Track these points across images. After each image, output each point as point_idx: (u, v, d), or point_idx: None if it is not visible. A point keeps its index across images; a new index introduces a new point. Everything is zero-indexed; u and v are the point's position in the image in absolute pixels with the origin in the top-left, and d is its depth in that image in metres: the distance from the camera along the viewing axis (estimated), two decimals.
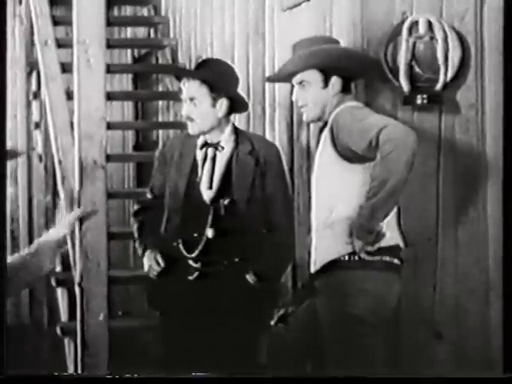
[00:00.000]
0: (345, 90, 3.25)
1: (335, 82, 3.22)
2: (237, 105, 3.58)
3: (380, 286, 3.12)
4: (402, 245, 3.18)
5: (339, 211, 3.12)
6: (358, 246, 3.07)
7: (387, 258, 3.12)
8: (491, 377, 2.94)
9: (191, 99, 3.50)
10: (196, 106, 3.50)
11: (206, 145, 3.56)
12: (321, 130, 3.28)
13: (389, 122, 3.03)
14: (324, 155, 3.18)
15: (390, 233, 3.11)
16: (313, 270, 3.20)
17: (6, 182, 2.92)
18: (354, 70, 3.32)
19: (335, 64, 3.23)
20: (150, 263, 3.60)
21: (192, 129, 3.53)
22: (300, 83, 3.26)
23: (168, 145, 3.73)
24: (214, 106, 3.51)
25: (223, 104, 3.52)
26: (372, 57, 3.44)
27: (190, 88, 3.50)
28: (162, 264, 3.57)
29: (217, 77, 3.51)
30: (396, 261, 3.14)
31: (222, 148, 3.54)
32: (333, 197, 3.14)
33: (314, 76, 3.23)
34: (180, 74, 3.70)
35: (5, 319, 2.95)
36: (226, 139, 3.56)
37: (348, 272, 3.12)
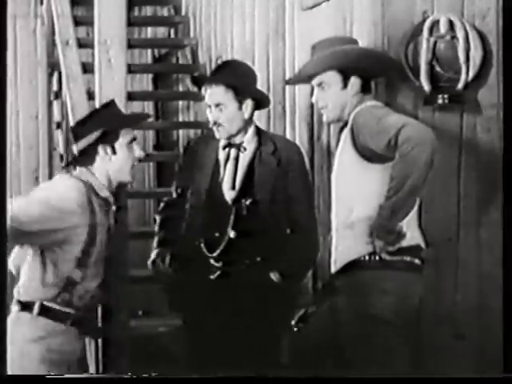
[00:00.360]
0: (364, 89, 3.24)
1: (354, 82, 3.22)
2: (260, 102, 3.59)
3: (401, 286, 3.11)
4: (423, 245, 3.17)
5: (359, 211, 3.11)
6: (379, 246, 3.06)
7: (408, 258, 3.11)
8: (491, 377, 2.94)
9: (217, 105, 3.50)
10: (222, 111, 3.50)
11: (228, 145, 3.56)
12: (341, 130, 3.28)
13: (408, 121, 3.03)
14: (344, 155, 3.18)
15: (411, 233, 3.10)
16: (333, 269, 3.20)
17: (6, 180, 2.95)
18: (373, 69, 3.31)
19: (354, 64, 3.23)
20: (157, 259, 3.62)
21: (219, 133, 3.53)
22: (319, 85, 3.26)
23: (192, 145, 3.73)
24: (240, 108, 3.51)
25: (248, 105, 3.52)
26: (391, 56, 3.43)
27: (215, 94, 3.49)
28: (168, 266, 3.58)
29: (240, 79, 3.51)
30: (417, 261, 3.13)
31: (245, 149, 3.54)
32: (353, 197, 3.14)
33: (333, 77, 3.23)
34: (204, 80, 3.66)
35: (5, 318, 2.96)
36: (248, 140, 3.56)
37: (369, 272, 3.11)
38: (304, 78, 3.36)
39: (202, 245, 3.53)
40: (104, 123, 3.08)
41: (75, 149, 3.14)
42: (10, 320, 3.03)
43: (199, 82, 3.69)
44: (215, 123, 3.51)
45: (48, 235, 2.94)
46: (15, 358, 2.97)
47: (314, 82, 3.27)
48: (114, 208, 3.18)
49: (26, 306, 3.01)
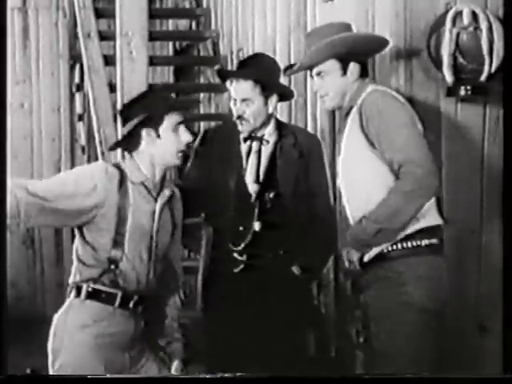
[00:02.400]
0: (362, 74, 3.22)
1: (353, 68, 3.19)
2: (284, 96, 3.57)
3: (427, 271, 3.07)
4: (441, 222, 3.12)
5: (375, 202, 3.08)
6: (353, 259, 3.10)
7: (426, 242, 3.08)
8: (491, 377, 2.93)
9: (243, 100, 3.48)
10: (249, 106, 3.47)
11: (250, 138, 3.54)
12: (346, 115, 3.23)
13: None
14: (352, 141, 3.14)
15: (430, 216, 3.07)
16: (366, 259, 3.15)
17: (6, 177, 2.96)
18: (369, 52, 3.30)
19: (352, 50, 3.20)
20: None
21: (243, 127, 3.50)
22: (318, 74, 3.23)
23: (210, 134, 3.71)
24: (265, 104, 3.49)
25: (274, 100, 3.50)
26: (381, 37, 3.41)
27: (243, 89, 3.46)
28: None
29: (267, 74, 3.48)
30: (435, 241, 3.09)
31: (267, 142, 3.52)
32: (365, 186, 3.11)
33: (332, 65, 3.20)
34: (231, 74, 3.63)
35: (5, 318, 2.97)
36: (270, 132, 3.54)
37: (392, 262, 3.08)
38: (303, 69, 3.36)
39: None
40: (149, 107, 3.06)
41: (121, 132, 3.14)
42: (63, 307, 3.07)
43: (225, 75, 3.64)
44: (239, 117, 3.49)
45: (72, 213, 2.97)
46: (67, 346, 2.98)
47: (314, 71, 3.24)
48: (166, 193, 3.15)
49: (75, 291, 3.04)
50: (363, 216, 3.05)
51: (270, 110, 3.50)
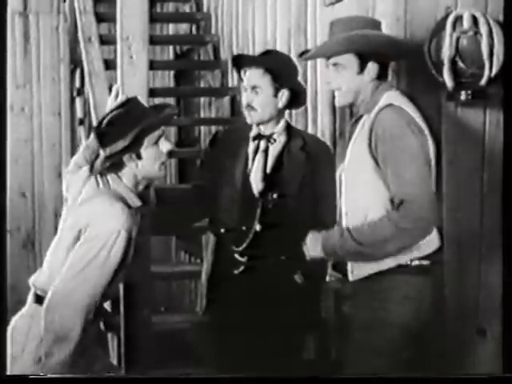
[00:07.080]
0: (381, 75, 3.17)
1: (372, 67, 3.13)
2: (297, 96, 3.55)
3: (412, 292, 3.06)
4: (438, 245, 3.12)
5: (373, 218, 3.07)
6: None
7: (416, 262, 3.07)
8: (491, 377, 2.92)
9: (253, 87, 3.47)
10: (257, 95, 3.47)
11: (258, 137, 3.54)
12: (355, 121, 3.21)
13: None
14: (357, 156, 3.09)
15: (427, 246, 3.06)
16: (351, 278, 3.11)
17: (6, 181, 2.94)
18: (393, 55, 3.26)
19: (373, 50, 3.12)
20: None
21: (251, 118, 3.50)
22: (334, 65, 3.16)
23: (220, 136, 3.70)
24: (275, 95, 3.49)
25: (284, 94, 3.50)
26: (408, 42, 3.40)
27: (253, 76, 3.47)
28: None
29: (280, 66, 3.49)
30: (425, 262, 3.07)
31: (275, 140, 3.52)
32: (364, 204, 3.07)
33: (350, 60, 3.12)
34: (245, 61, 3.59)
35: (5, 322, 2.96)
36: (279, 132, 3.53)
37: (378, 277, 3.06)
38: (319, 56, 3.32)
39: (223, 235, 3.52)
40: (125, 132, 2.94)
41: (102, 155, 2.99)
42: (26, 314, 3.03)
43: (240, 62, 3.62)
44: (248, 106, 3.49)
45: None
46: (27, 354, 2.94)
47: (330, 61, 3.16)
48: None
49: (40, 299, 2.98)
50: (347, 228, 3.04)
51: (280, 105, 3.50)
